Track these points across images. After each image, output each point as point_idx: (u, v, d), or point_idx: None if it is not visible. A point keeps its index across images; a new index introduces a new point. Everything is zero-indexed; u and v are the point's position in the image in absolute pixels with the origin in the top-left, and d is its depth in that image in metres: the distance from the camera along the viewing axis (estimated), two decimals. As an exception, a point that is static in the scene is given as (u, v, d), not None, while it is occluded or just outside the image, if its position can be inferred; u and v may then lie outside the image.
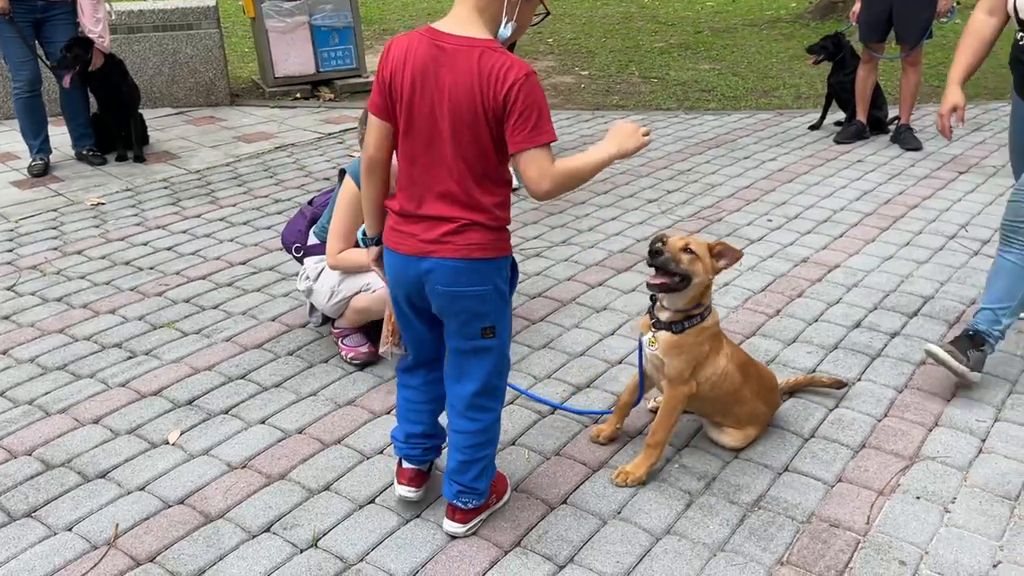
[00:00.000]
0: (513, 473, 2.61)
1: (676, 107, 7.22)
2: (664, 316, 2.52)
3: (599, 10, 12.33)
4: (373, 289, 3.07)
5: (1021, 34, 2.92)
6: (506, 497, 2.48)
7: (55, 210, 4.90)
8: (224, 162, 5.77)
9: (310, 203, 3.40)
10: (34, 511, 2.48)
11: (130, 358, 3.29)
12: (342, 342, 3.24)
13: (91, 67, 5.37)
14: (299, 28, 7.44)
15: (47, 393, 3.07)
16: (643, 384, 2.70)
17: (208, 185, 5.32)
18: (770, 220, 4.62)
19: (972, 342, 2.94)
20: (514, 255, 2.30)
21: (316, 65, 7.61)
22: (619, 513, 2.45)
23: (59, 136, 5.97)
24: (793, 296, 3.74)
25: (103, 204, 4.99)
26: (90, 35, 5.28)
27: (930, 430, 2.80)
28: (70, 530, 2.41)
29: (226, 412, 2.94)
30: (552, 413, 2.93)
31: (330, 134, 6.42)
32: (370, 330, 3.30)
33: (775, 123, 6.62)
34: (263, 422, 2.88)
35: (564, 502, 2.49)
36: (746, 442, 2.72)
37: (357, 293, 3.09)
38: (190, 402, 3.00)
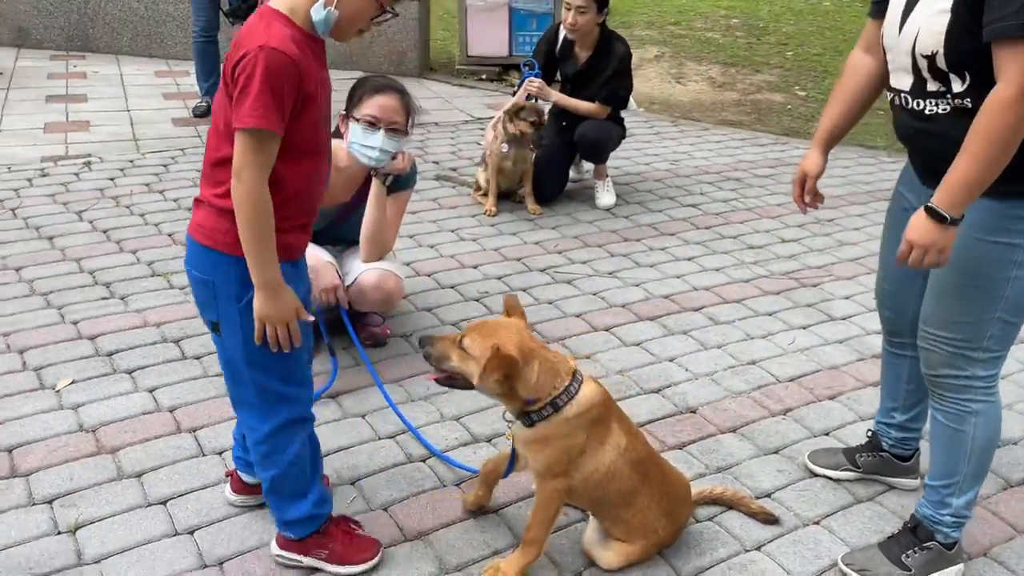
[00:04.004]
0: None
1: (883, 146, 6.23)
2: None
3: (874, 28, 10.99)
4: None
5: (906, 94, 1.93)
6: (353, 568, 2.11)
7: (182, 150, 5.19)
8: (361, 130, 5.82)
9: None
10: None
11: None
12: None
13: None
14: (498, 9, 7.35)
15: None
16: (513, 462, 2.28)
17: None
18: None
19: (915, 536, 2.16)
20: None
21: (510, 48, 7.49)
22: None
23: (234, 83, 6.36)
24: (822, 397, 3.02)
25: (223, 151, 5.22)
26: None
27: (855, 617, 2.09)
28: None
29: None
30: (424, 460, 2.57)
31: (479, 119, 6.26)
32: None
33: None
34: None
35: None
36: (624, 563, 2.20)
37: None
38: None
